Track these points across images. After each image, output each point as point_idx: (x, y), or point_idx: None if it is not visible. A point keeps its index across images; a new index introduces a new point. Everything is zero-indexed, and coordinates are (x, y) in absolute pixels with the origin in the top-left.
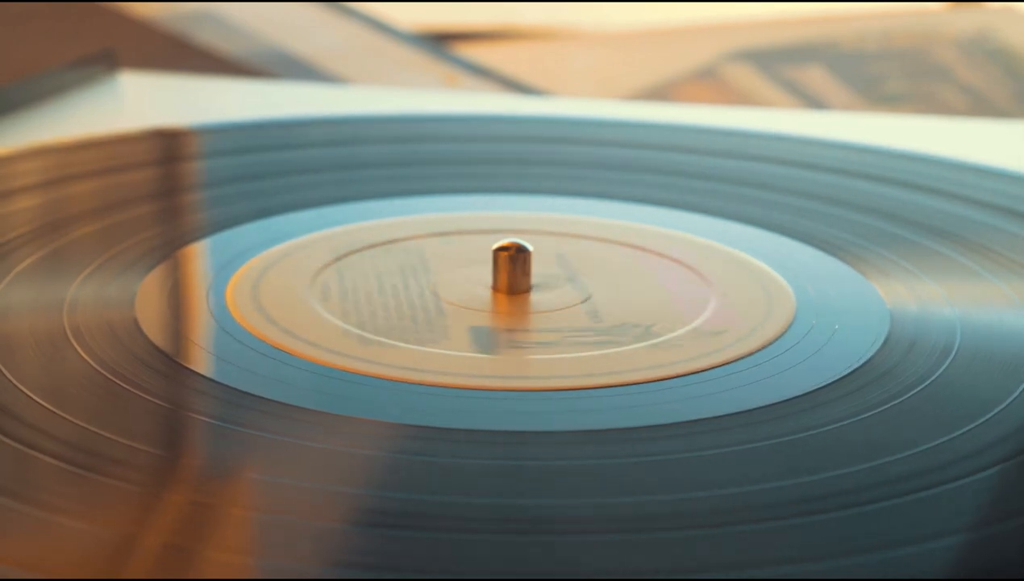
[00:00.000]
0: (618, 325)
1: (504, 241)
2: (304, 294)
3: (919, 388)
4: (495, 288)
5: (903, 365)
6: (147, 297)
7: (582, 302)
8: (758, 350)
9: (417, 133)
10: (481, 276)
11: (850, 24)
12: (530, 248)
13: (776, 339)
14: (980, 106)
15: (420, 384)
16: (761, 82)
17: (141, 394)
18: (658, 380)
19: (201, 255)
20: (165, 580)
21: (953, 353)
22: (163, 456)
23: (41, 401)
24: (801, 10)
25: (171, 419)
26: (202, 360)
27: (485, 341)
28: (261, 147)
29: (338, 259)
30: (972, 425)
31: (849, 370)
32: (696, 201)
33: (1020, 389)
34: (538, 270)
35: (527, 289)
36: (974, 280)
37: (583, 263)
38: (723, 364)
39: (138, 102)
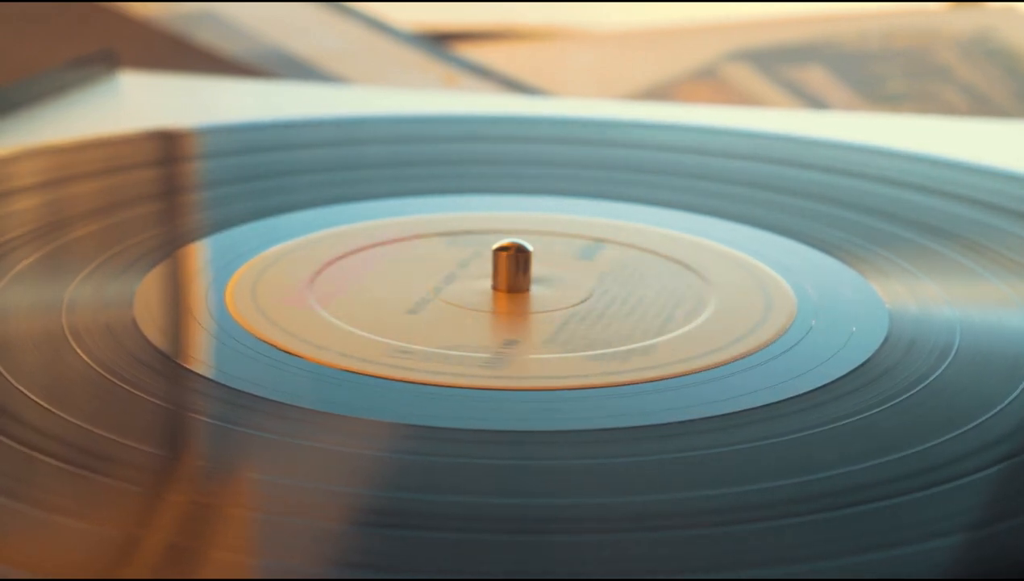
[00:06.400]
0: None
1: (504, 241)
2: (304, 294)
3: (918, 388)
4: (495, 288)
5: (902, 365)
6: (146, 297)
7: (582, 302)
8: (758, 350)
9: (417, 133)
10: (481, 276)
11: (850, 24)
12: (530, 248)
13: (776, 339)
14: (980, 106)
15: (421, 384)
16: (761, 82)
17: (140, 394)
18: (658, 380)
19: (200, 255)
20: (165, 580)
21: (952, 353)
22: (163, 456)
23: (41, 401)
24: (801, 10)
25: (171, 419)
26: (201, 360)
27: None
28: (261, 147)
29: (338, 259)
30: (971, 425)
31: (848, 370)
32: (696, 201)
33: (1020, 389)
34: (538, 270)
35: (527, 289)
36: (974, 280)
37: (583, 263)
38: (723, 364)
39: (138, 102)
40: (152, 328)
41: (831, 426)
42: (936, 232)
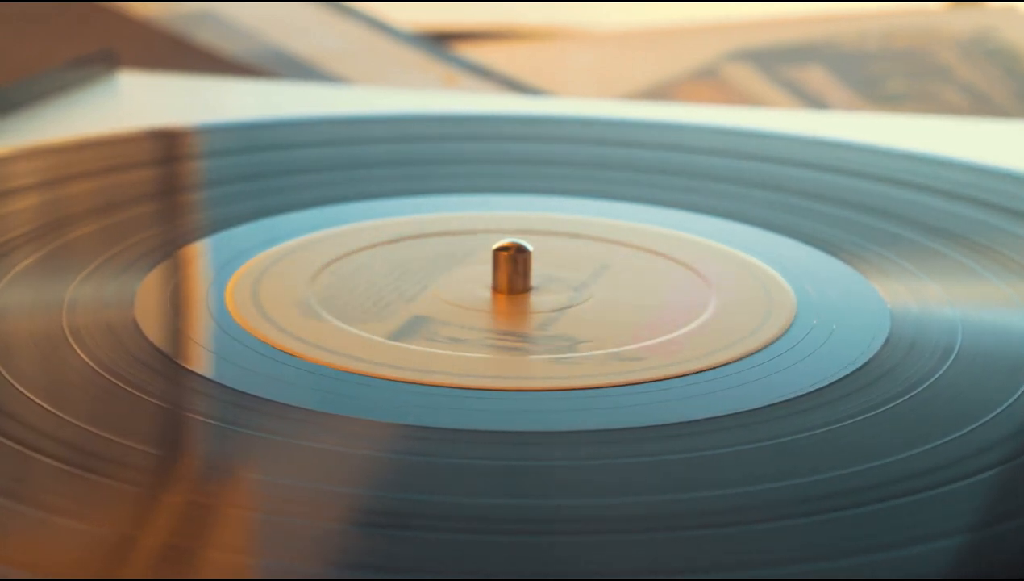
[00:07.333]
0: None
1: (504, 241)
2: (304, 294)
3: (920, 388)
4: (495, 288)
5: (903, 365)
6: (146, 297)
7: (582, 302)
8: (758, 350)
9: (417, 133)
10: (481, 276)
11: (850, 24)
12: (530, 248)
13: (776, 339)
14: (980, 106)
15: (421, 384)
16: (761, 82)
17: (140, 394)
18: (658, 380)
19: (201, 255)
20: (164, 580)
21: (954, 353)
22: (162, 456)
23: (40, 401)
24: (801, 10)
25: (170, 419)
26: (201, 360)
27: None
28: (261, 147)
29: (338, 259)
30: (973, 426)
31: (849, 370)
32: (696, 201)
33: (1021, 390)
34: (538, 270)
35: (527, 289)
36: (974, 280)
37: (583, 263)
38: (723, 364)
39: (138, 102)
40: (152, 328)
41: (832, 427)
42: (937, 232)
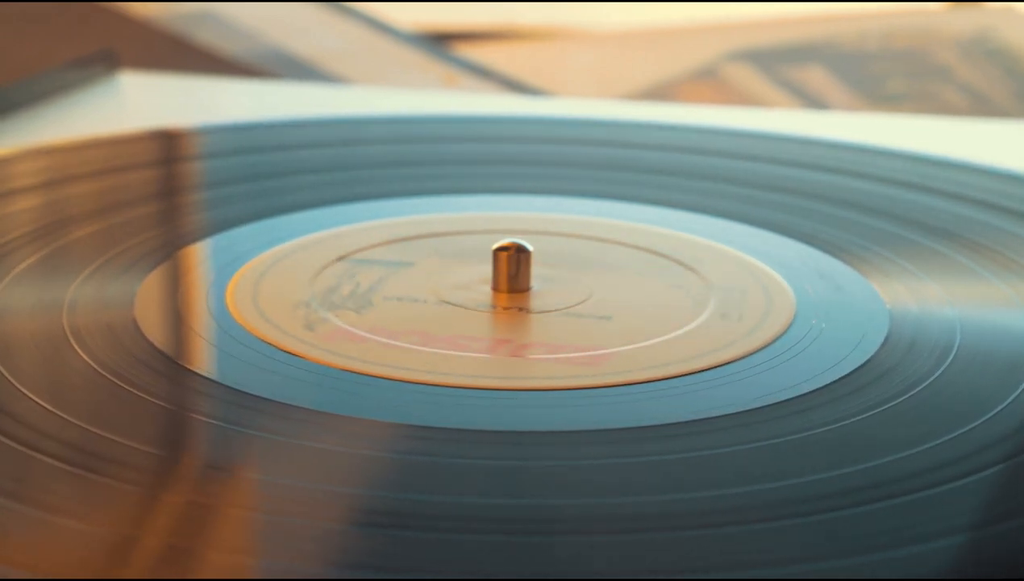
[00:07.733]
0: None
1: (504, 241)
2: (304, 294)
3: (919, 388)
4: (495, 288)
5: (903, 365)
6: (147, 298)
7: (581, 302)
8: (758, 350)
9: (417, 133)
10: (481, 276)
11: (850, 24)
12: (530, 248)
13: (776, 339)
14: (980, 106)
15: (421, 384)
16: (761, 82)
17: (141, 395)
18: (658, 380)
19: (201, 256)
20: (165, 580)
21: (953, 353)
22: (163, 456)
23: (41, 401)
24: (801, 10)
25: (171, 420)
26: (202, 361)
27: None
28: (261, 147)
29: (338, 259)
30: (972, 425)
31: (848, 370)
32: (696, 201)
33: (1020, 389)
34: (538, 270)
35: (527, 289)
36: (974, 280)
37: (583, 263)
38: (723, 364)
39: (138, 102)
40: (153, 328)
41: (831, 427)
42: (937, 232)
